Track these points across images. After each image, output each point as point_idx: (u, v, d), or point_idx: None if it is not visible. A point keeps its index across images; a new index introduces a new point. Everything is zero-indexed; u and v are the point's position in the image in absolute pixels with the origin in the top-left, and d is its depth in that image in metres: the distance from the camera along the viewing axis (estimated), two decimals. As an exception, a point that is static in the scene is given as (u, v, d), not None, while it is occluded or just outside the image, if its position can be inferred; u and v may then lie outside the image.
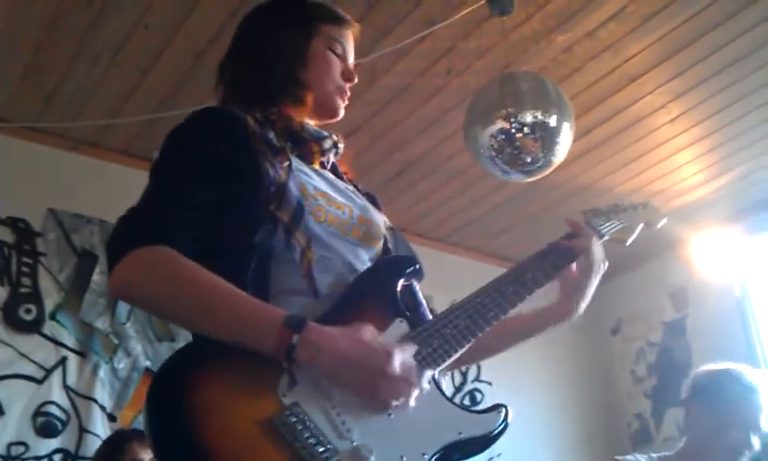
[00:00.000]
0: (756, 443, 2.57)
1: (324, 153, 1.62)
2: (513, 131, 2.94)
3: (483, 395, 4.74)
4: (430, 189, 4.51)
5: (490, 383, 4.78)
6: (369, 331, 1.34)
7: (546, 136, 2.96)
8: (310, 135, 1.60)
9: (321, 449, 1.23)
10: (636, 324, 5.54)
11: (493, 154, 3.03)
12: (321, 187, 1.53)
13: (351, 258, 1.51)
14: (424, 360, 1.38)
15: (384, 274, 1.50)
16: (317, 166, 1.60)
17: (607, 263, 1.74)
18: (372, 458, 1.27)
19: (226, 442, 1.20)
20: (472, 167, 3.94)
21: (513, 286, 1.58)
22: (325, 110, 1.68)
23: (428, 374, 1.37)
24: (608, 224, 1.86)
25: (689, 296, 5.24)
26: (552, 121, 2.95)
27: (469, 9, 3.15)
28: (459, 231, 5.02)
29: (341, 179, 1.67)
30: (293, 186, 1.45)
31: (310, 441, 1.23)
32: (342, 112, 1.70)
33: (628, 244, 1.90)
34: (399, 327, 1.42)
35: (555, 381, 5.05)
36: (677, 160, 4.42)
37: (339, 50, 1.68)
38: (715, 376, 2.69)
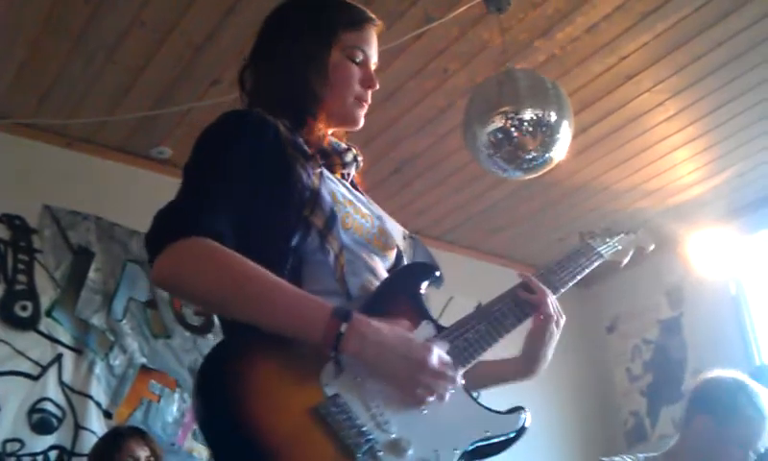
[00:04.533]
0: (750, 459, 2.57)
1: (345, 165, 1.64)
2: (511, 128, 2.94)
3: (479, 393, 4.74)
4: (427, 187, 4.51)
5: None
6: (408, 326, 1.41)
7: (545, 134, 2.96)
8: (332, 148, 1.62)
9: (364, 439, 1.27)
10: (632, 321, 5.54)
11: (492, 151, 3.03)
12: (348, 196, 1.57)
13: (372, 265, 1.55)
14: (456, 358, 1.44)
15: (409, 278, 1.57)
16: (339, 177, 1.62)
17: (564, 318, 1.72)
18: (410, 451, 1.31)
19: (275, 430, 1.23)
20: (469, 165, 3.95)
21: (516, 303, 1.65)
22: (345, 121, 1.69)
23: (461, 371, 1.44)
24: (604, 246, 1.96)
25: (685, 294, 5.25)
26: (551, 118, 2.95)
27: (466, 6, 3.15)
28: (456, 230, 5.02)
29: (357, 190, 1.69)
30: (325, 193, 1.49)
31: (353, 431, 1.27)
32: (362, 121, 1.70)
33: (622, 266, 2.04)
34: (426, 328, 1.47)
35: (551, 379, 5.02)
36: (673, 158, 4.43)
37: (359, 57, 1.66)
38: (730, 392, 2.62)
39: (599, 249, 1.92)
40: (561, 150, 3.05)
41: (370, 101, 1.70)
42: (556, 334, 1.72)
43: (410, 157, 4.21)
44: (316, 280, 1.45)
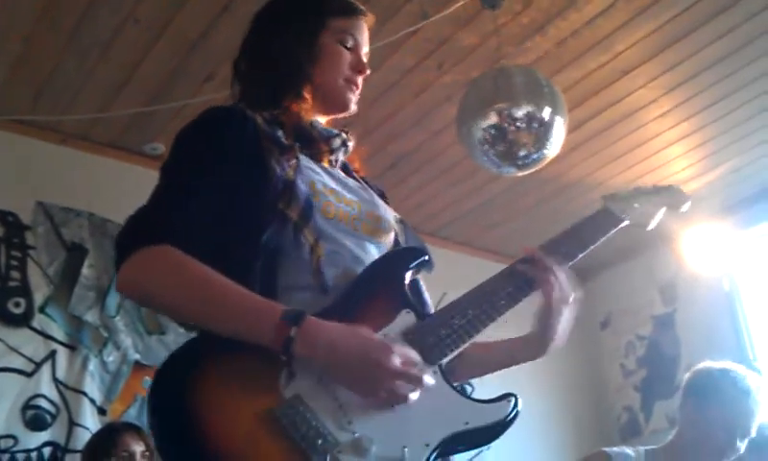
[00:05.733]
0: (742, 447, 2.57)
1: (332, 151, 1.62)
2: (506, 124, 2.94)
3: (473, 388, 4.75)
4: (422, 183, 4.51)
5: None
6: (368, 326, 1.34)
7: (539, 130, 2.96)
8: (319, 134, 1.61)
9: (320, 441, 1.25)
10: (626, 317, 5.55)
11: (486, 147, 3.03)
12: (329, 184, 1.53)
13: (360, 253, 1.52)
14: (430, 350, 1.38)
15: (392, 265, 1.51)
16: (326, 164, 1.60)
17: (573, 294, 1.58)
18: (374, 448, 1.27)
19: (228, 435, 1.22)
20: (464, 161, 3.95)
21: (514, 281, 1.55)
22: (335, 105, 1.67)
23: (433, 366, 1.37)
24: (627, 209, 1.75)
25: (679, 290, 5.26)
26: (545, 115, 2.95)
27: (461, 2, 3.15)
28: (451, 225, 5.03)
29: (351, 175, 1.67)
30: (301, 183, 1.46)
31: (310, 433, 1.25)
32: (353, 106, 1.69)
33: (649, 229, 1.80)
34: (406, 318, 1.42)
35: (545, 374, 5.05)
36: (668, 154, 4.43)
37: (349, 42, 1.66)
38: (713, 376, 2.67)
39: (618, 213, 1.72)
40: (555, 146, 3.05)
41: (360, 86, 1.68)
42: (565, 311, 1.57)
43: (405, 152, 4.21)
44: (290, 275, 1.43)
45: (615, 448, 2.74)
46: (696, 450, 2.61)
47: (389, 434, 1.30)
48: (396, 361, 1.30)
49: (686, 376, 2.80)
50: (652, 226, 1.80)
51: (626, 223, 1.73)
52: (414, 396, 1.31)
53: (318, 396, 1.30)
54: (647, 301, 5.42)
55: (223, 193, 1.42)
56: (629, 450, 2.72)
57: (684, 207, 1.87)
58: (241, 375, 1.29)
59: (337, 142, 1.63)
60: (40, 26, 3.17)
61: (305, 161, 1.52)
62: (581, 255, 1.64)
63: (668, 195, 1.87)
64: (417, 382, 1.31)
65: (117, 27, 3.20)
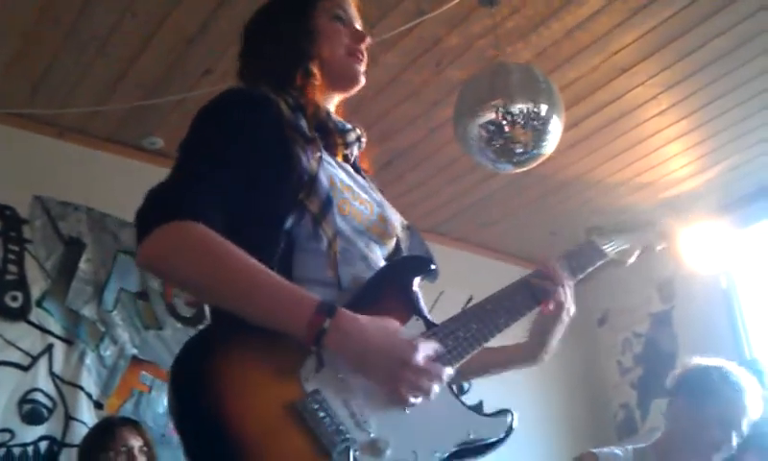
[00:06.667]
0: (734, 441, 2.57)
1: (347, 146, 1.62)
2: (503, 121, 2.94)
3: (470, 385, 4.75)
4: (419, 180, 4.51)
5: (477, 373, 4.78)
6: (395, 323, 1.35)
7: (536, 127, 2.96)
8: (335, 126, 1.60)
9: (340, 438, 1.25)
10: (623, 315, 5.56)
11: (483, 144, 3.03)
12: (346, 181, 1.54)
13: (368, 253, 1.53)
14: (443, 358, 1.39)
15: (401, 272, 1.53)
16: (340, 159, 1.60)
17: (573, 308, 1.69)
18: (389, 452, 1.28)
19: (249, 425, 1.21)
20: (461, 158, 3.94)
21: (522, 296, 1.61)
22: (345, 79, 1.68)
23: (447, 370, 1.38)
24: (610, 244, 1.87)
25: (676, 287, 5.26)
26: (542, 111, 2.95)
27: (458, -1, 3.15)
28: (447, 222, 5.02)
29: (360, 174, 1.67)
30: (323, 178, 1.46)
31: (330, 429, 1.25)
32: (363, 78, 1.69)
33: (627, 265, 1.93)
34: (416, 325, 1.44)
35: (541, 371, 5.02)
36: (666, 152, 4.44)
37: (342, 15, 1.68)
38: (705, 372, 2.66)
39: (603, 247, 1.84)
40: (551, 143, 3.05)
41: (365, 56, 1.69)
42: (565, 323, 1.69)
43: (402, 149, 4.21)
44: (307, 269, 1.42)
45: (605, 449, 2.74)
46: (689, 447, 2.61)
47: (402, 437, 1.31)
48: (422, 358, 1.31)
49: (676, 372, 2.79)
50: (628, 263, 1.92)
51: (608, 258, 1.85)
52: (433, 396, 1.33)
53: (336, 392, 1.29)
54: (644, 298, 5.43)
55: (244, 179, 1.40)
56: (617, 450, 2.72)
57: (659, 248, 2.02)
58: (261, 365, 1.27)
59: (352, 137, 1.64)
60: (38, 20, 3.17)
61: (325, 155, 1.52)
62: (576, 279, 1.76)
63: (648, 234, 1.99)
64: (438, 380, 1.33)
65: (115, 21, 3.20)
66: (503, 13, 3.29)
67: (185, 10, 3.16)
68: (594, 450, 2.74)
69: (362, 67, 1.68)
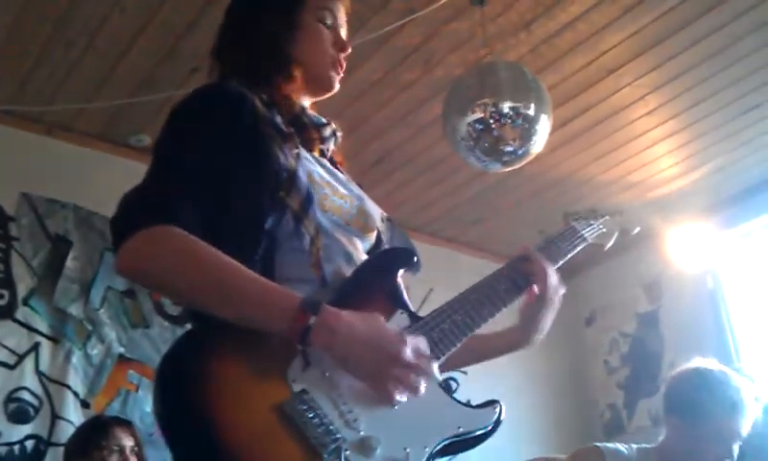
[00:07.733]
0: (735, 449, 2.56)
1: (323, 140, 1.60)
2: (491, 120, 2.94)
3: (458, 384, 4.75)
4: (407, 179, 4.51)
5: (465, 372, 4.78)
6: (381, 318, 1.33)
7: (524, 126, 2.96)
8: (310, 121, 1.58)
9: (330, 438, 1.23)
10: (610, 314, 5.58)
11: (472, 143, 3.03)
12: (324, 176, 1.52)
13: (350, 248, 1.51)
14: (431, 351, 1.38)
15: (384, 265, 1.51)
16: (316, 154, 1.58)
17: (563, 291, 1.69)
18: (379, 449, 1.26)
19: (238, 428, 1.19)
20: (449, 157, 3.95)
21: (505, 284, 1.60)
22: (319, 85, 1.65)
23: (435, 365, 1.36)
24: (589, 228, 1.88)
25: (663, 288, 5.29)
26: (530, 111, 2.95)
27: (448, -2, 3.15)
28: (436, 221, 5.03)
29: (337, 168, 1.65)
30: (302, 174, 1.44)
31: (320, 429, 1.23)
32: (337, 85, 1.67)
33: (606, 249, 1.97)
34: (400, 318, 1.43)
35: (528, 370, 5.06)
36: (653, 153, 4.45)
37: (329, 20, 1.64)
38: (695, 389, 2.61)
39: (583, 231, 1.84)
40: (540, 142, 3.06)
41: (344, 66, 1.67)
42: (555, 303, 1.67)
43: (391, 148, 4.21)
44: (289, 267, 1.40)
45: (610, 445, 2.72)
46: (691, 458, 2.60)
47: (392, 434, 1.29)
48: (410, 352, 1.30)
49: (668, 384, 2.75)
50: (608, 247, 1.97)
51: (587, 243, 1.86)
52: (422, 390, 1.31)
53: (324, 391, 1.28)
54: (632, 298, 5.45)
55: (221, 179, 1.37)
56: (621, 447, 2.71)
57: (635, 232, 2.09)
58: (248, 367, 1.25)
59: (328, 131, 1.61)
60: (25, 16, 3.15)
61: (302, 151, 1.50)
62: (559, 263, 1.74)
63: (621, 220, 2.03)
64: (427, 374, 1.32)
65: (103, 16, 3.18)
66: (492, 13, 3.29)
67: (174, 6, 3.15)
68: (599, 444, 2.73)
69: (338, 76, 1.66)
